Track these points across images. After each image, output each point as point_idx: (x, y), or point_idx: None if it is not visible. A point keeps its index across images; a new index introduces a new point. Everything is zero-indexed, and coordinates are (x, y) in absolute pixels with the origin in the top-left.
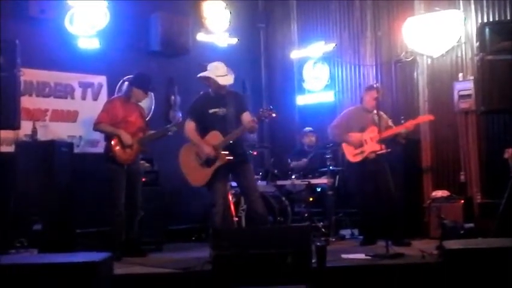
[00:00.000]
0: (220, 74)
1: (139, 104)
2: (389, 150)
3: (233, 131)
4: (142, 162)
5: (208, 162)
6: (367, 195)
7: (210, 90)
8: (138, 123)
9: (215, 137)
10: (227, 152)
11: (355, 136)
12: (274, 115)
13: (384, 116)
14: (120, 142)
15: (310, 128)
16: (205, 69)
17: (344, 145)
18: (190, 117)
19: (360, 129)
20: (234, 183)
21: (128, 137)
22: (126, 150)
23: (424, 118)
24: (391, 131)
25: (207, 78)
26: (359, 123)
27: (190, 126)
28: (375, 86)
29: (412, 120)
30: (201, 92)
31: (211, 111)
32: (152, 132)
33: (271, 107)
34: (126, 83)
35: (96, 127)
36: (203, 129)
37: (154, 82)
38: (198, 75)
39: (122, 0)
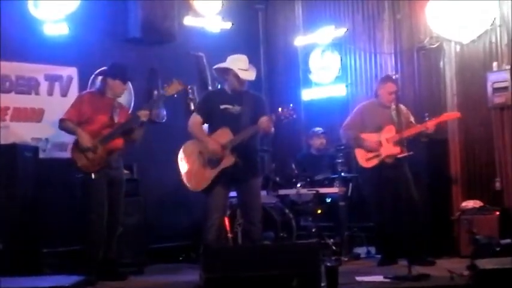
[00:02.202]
0: (241, 67)
1: (119, 100)
2: (411, 153)
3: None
4: None
5: (211, 162)
6: (385, 207)
7: (226, 85)
8: (107, 122)
9: (224, 134)
10: (235, 155)
11: (371, 140)
12: (294, 116)
13: (404, 110)
14: (79, 145)
15: (320, 129)
16: (193, 59)
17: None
18: (196, 112)
19: (376, 129)
20: (233, 193)
21: (86, 138)
22: (87, 155)
23: (450, 116)
24: (410, 131)
25: (226, 71)
26: (374, 121)
27: (195, 120)
28: (391, 77)
29: (433, 119)
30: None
31: (222, 107)
32: (119, 125)
33: (291, 105)
34: (100, 77)
35: (60, 124)
36: (211, 128)
37: (135, 74)
38: (215, 67)
39: None
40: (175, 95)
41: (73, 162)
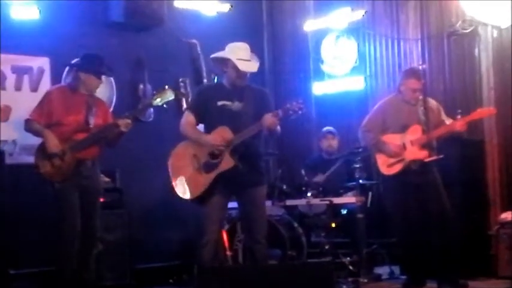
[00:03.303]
0: (242, 57)
1: (95, 95)
2: (441, 156)
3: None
4: (100, 176)
5: (207, 166)
6: (411, 220)
7: (225, 78)
8: (80, 124)
9: (223, 133)
10: (235, 157)
11: (393, 143)
12: (304, 110)
13: (435, 106)
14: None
15: (329, 128)
16: (185, 47)
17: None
18: (189, 110)
19: (400, 129)
20: (233, 204)
21: (54, 142)
22: (53, 162)
23: (483, 112)
24: (438, 132)
25: (224, 61)
26: (398, 120)
27: (187, 120)
28: (414, 72)
29: (464, 117)
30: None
31: (219, 103)
32: (94, 132)
33: (300, 100)
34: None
35: (25, 125)
36: (207, 128)
37: (117, 65)
38: (212, 56)
39: None
40: (165, 105)
41: (35, 168)
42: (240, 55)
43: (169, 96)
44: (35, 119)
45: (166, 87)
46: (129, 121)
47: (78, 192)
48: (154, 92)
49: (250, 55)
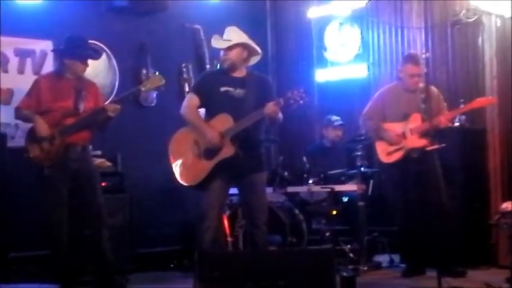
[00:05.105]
0: (223, 37)
1: (84, 78)
2: (442, 145)
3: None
4: (102, 160)
5: (208, 153)
6: (411, 208)
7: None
8: (69, 109)
9: (223, 120)
10: (236, 145)
11: (393, 131)
12: (306, 100)
13: (435, 93)
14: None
15: (338, 119)
16: (188, 32)
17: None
18: (193, 92)
19: (401, 117)
20: (233, 190)
21: (44, 127)
22: (43, 146)
23: (483, 102)
24: (438, 120)
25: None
26: (399, 108)
27: (190, 102)
28: (412, 57)
29: (466, 105)
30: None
31: (222, 89)
32: (83, 116)
33: (302, 89)
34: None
35: (15, 113)
36: (209, 113)
37: (120, 50)
38: None
39: None
40: (156, 92)
41: (25, 152)
42: (224, 36)
43: (159, 82)
44: (24, 107)
45: (157, 73)
46: (117, 106)
47: (69, 178)
48: (144, 79)
49: (229, 35)
